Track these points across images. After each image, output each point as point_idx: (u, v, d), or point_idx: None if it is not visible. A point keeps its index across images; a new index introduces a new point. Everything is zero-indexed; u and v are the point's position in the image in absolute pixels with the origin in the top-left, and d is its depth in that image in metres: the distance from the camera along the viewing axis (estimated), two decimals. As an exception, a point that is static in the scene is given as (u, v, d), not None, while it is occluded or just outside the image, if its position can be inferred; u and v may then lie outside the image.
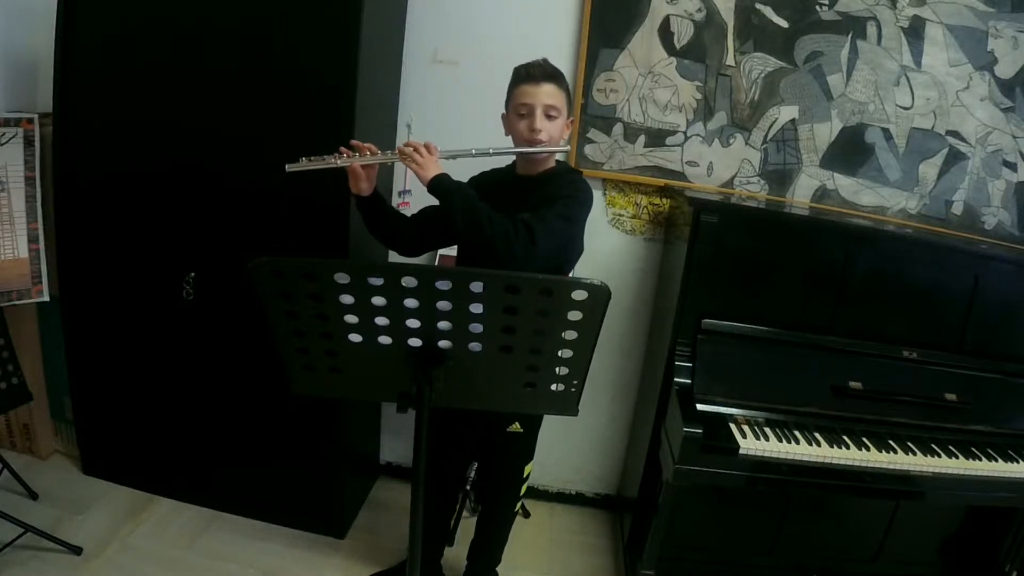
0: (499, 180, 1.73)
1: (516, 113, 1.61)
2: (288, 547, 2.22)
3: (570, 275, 2.30)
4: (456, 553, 2.14)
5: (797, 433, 1.80)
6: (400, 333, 1.09)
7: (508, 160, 1.75)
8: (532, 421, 1.84)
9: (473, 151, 1.58)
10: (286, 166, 1.53)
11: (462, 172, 1.72)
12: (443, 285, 1.02)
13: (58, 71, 2.05)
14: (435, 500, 1.88)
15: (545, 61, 1.63)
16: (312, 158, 1.54)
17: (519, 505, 1.98)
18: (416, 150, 1.53)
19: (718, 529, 2.14)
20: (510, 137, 1.67)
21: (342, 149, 1.55)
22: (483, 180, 1.75)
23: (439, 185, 1.50)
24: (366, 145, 1.56)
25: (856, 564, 2.19)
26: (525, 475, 1.91)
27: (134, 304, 2.20)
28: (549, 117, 1.59)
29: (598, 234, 2.39)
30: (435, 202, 1.56)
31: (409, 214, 1.81)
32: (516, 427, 1.78)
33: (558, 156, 1.71)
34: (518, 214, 1.50)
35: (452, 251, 1.87)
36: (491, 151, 1.60)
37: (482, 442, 1.89)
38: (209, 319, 2.14)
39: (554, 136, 1.61)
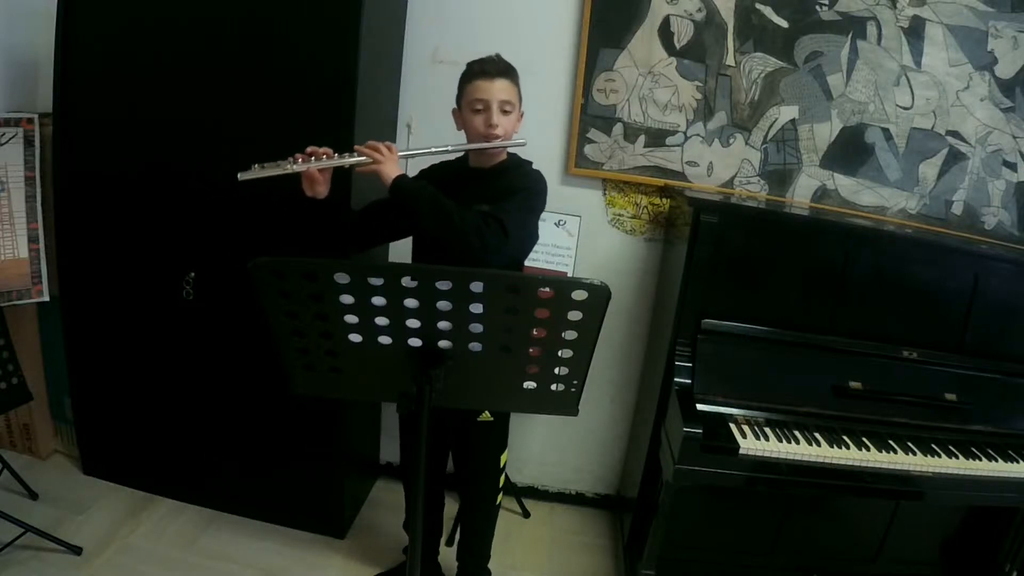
0: (452, 173, 1.74)
1: (471, 109, 1.63)
2: (288, 547, 2.22)
3: (570, 273, 2.30)
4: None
5: (797, 433, 1.80)
6: (400, 333, 1.09)
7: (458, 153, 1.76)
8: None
9: (433, 149, 1.61)
10: (238, 175, 1.50)
11: (413, 166, 1.73)
12: (443, 285, 1.02)
13: (58, 71, 2.05)
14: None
15: (498, 57, 1.65)
16: (265, 164, 1.51)
17: (500, 497, 1.95)
18: (376, 149, 1.54)
19: (718, 529, 2.14)
20: (463, 132, 1.69)
21: (297, 155, 1.54)
22: (435, 173, 1.75)
23: (402, 186, 1.52)
24: (323, 150, 1.55)
25: (856, 564, 2.19)
26: (502, 465, 1.89)
27: (134, 304, 2.20)
28: (504, 112, 1.62)
29: (598, 234, 2.39)
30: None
31: None
32: (486, 416, 1.76)
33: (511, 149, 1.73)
34: (477, 207, 1.52)
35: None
36: (450, 148, 1.63)
37: (454, 435, 1.88)
38: (209, 319, 2.14)
39: (509, 130, 1.64)
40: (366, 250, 1.85)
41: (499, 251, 1.47)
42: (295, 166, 1.51)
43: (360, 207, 1.78)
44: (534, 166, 1.73)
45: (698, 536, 2.14)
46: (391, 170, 1.52)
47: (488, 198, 1.54)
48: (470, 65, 1.66)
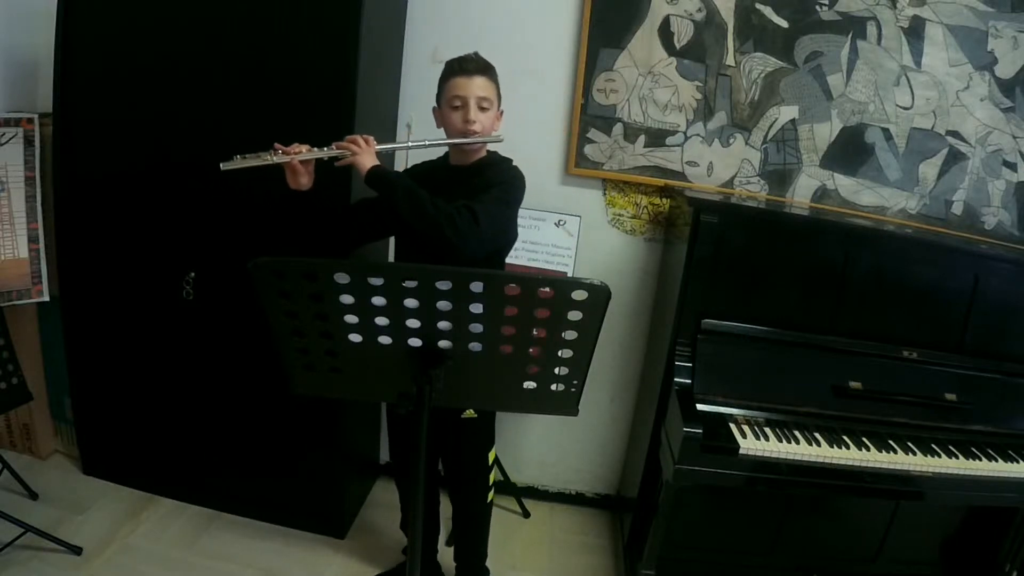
0: (433, 171, 1.76)
1: (450, 106, 1.66)
2: (288, 547, 2.22)
3: (570, 273, 2.30)
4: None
5: (797, 433, 1.80)
6: (400, 333, 1.09)
7: (440, 152, 1.77)
8: None
9: (409, 143, 1.65)
10: (220, 165, 1.52)
11: (395, 165, 1.77)
12: (443, 285, 1.02)
13: (58, 71, 2.05)
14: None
15: (477, 55, 1.68)
16: (247, 156, 1.53)
17: (491, 495, 1.94)
18: (353, 142, 1.56)
19: (718, 529, 2.14)
20: (442, 130, 1.71)
21: (277, 146, 1.56)
22: (417, 171, 1.78)
23: (377, 175, 1.53)
24: (302, 146, 1.57)
25: (856, 564, 2.19)
26: (490, 461, 1.88)
27: (134, 304, 2.20)
28: (482, 109, 1.64)
29: (598, 234, 2.39)
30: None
31: None
32: (470, 413, 1.76)
33: (490, 146, 1.74)
34: (456, 201, 1.52)
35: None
36: (427, 143, 1.66)
37: (440, 433, 1.87)
38: (209, 319, 2.14)
39: (487, 127, 1.66)
40: (353, 247, 1.86)
41: (472, 240, 1.47)
42: (275, 157, 1.55)
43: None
44: (514, 163, 1.74)
45: (698, 536, 2.14)
46: (367, 160, 1.54)
47: (467, 194, 1.55)
48: (449, 63, 1.68)
